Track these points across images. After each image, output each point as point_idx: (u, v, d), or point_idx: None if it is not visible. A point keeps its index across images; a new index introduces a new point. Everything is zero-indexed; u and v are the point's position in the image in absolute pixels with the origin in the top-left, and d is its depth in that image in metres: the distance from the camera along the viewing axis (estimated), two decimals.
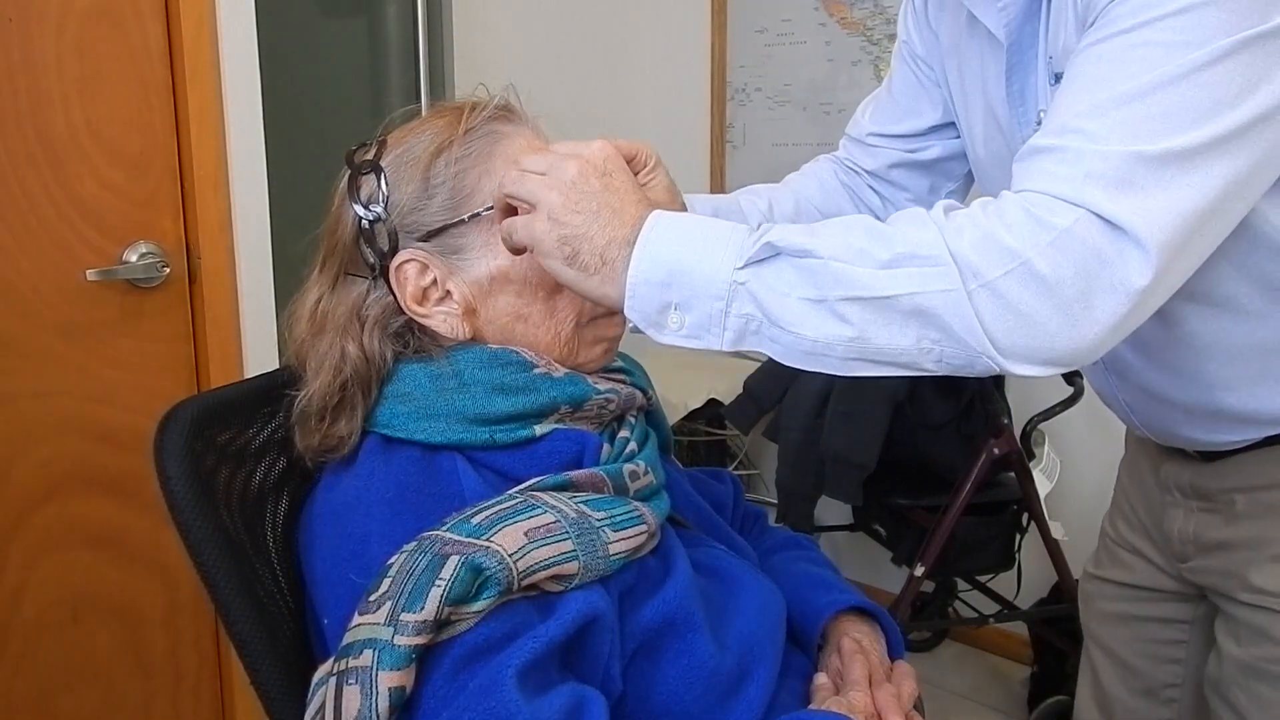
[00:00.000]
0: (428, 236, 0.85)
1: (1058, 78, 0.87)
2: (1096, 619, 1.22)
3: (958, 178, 1.17)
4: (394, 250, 0.85)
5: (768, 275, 0.72)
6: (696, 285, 0.73)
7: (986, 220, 0.70)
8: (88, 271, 1.65)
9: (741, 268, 0.72)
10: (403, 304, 0.85)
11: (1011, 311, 0.68)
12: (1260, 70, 0.70)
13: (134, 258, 1.69)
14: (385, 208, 0.85)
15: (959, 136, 1.12)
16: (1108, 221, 0.67)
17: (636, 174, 0.94)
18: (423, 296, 0.86)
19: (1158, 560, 1.14)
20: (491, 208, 0.85)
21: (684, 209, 0.94)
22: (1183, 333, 0.93)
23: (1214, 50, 0.69)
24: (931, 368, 0.72)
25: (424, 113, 0.92)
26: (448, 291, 0.86)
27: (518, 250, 0.82)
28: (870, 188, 1.18)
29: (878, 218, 1.18)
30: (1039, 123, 0.90)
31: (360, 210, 0.85)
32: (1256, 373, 0.92)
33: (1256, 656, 0.98)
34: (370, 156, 0.87)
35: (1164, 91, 0.69)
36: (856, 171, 1.20)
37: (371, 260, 0.85)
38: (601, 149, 0.79)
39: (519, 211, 0.80)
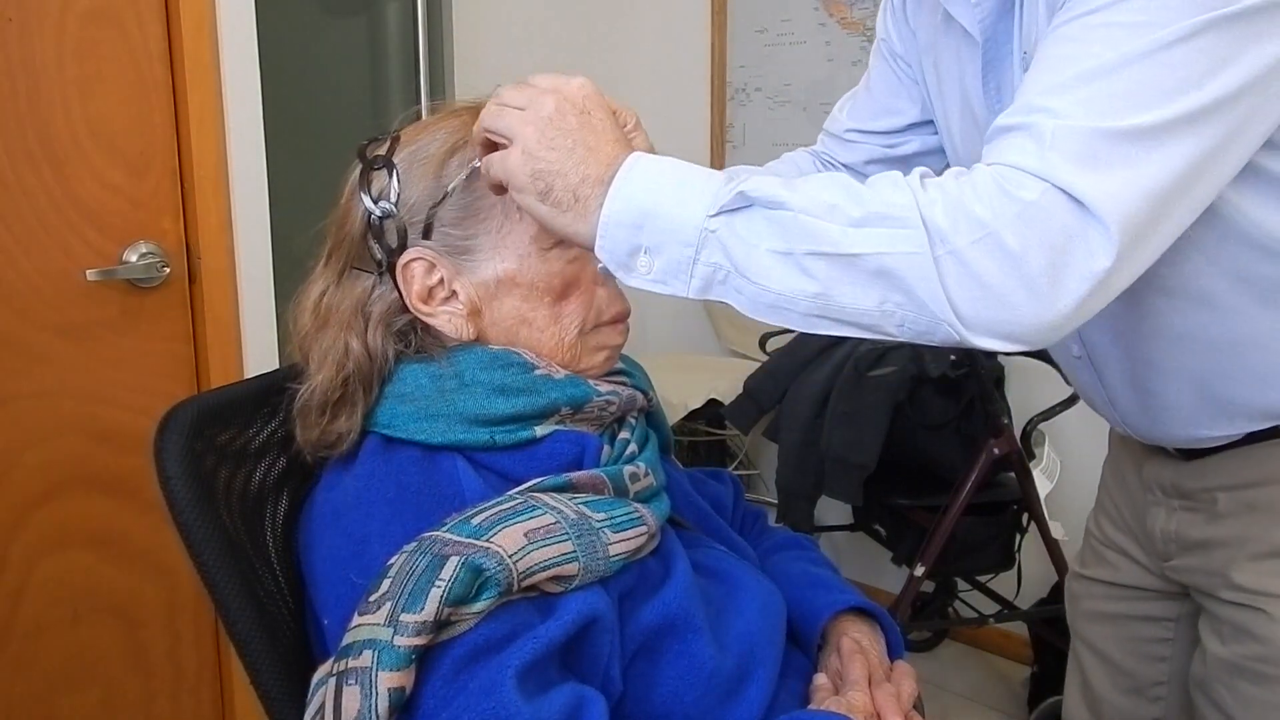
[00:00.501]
0: (437, 236, 0.85)
1: None
2: (1083, 618, 1.22)
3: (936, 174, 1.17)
4: (402, 247, 0.85)
5: (739, 225, 0.72)
6: (668, 230, 0.72)
7: (958, 189, 0.70)
8: (88, 271, 1.65)
9: (714, 215, 0.72)
10: (408, 302, 0.85)
11: (976, 281, 0.68)
12: (1227, 51, 0.70)
13: (134, 258, 1.69)
14: (396, 204, 0.85)
15: (937, 133, 1.13)
16: (1072, 197, 0.67)
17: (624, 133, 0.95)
18: (428, 295, 0.86)
19: (1142, 559, 1.14)
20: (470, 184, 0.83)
21: None
22: (1161, 327, 0.93)
23: (1180, 30, 0.69)
24: (893, 332, 0.72)
25: (425, 113, 0.92)
26: (454, 291, 0.86)
27: (496, 187, 0.81)
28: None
29: None
30: None
31: (370, 205, 0.85)
32: (1234, 367, 0.93)
33: (1240, 654, 0.99)
34: (383, 152, 0.87)
35: (1129, 69, 0.69)
36: (834, 165, 1.20)
37: (379, 256, 0.85)
38: (581, 86, 0.78)
39: (498, 148, 0.79)
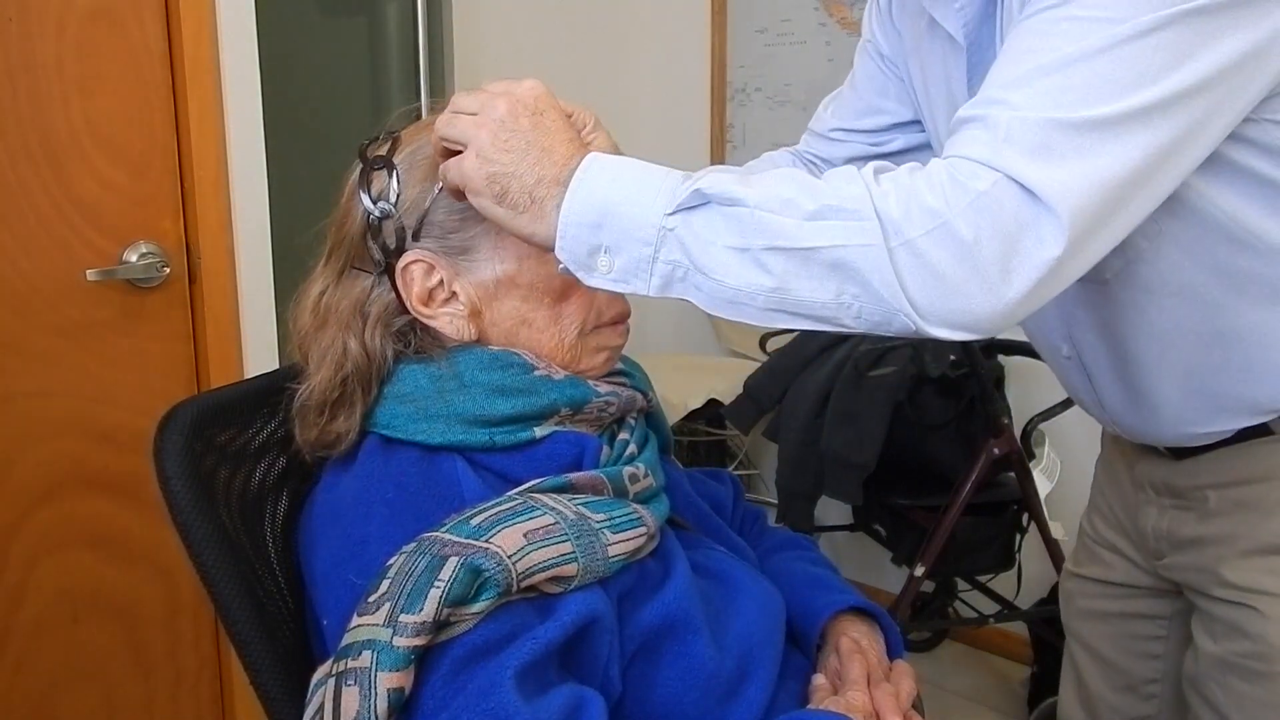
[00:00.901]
0: (436, 237, 0.85)
1: None
2: (1077, 617, 1.23)
3: None
4: (400, 249, 0.85)
5: (696, 222, 0.72)
6: (626, 229, 0.73)
7: (911, 181, 0.70)
8: (88, 271, 1.65)
9: (671, 213, 0.72)
10: (408, 304, 0.85)
11: (930, 272, 0.68)
12: (1186, 47, 0.71)
13: (134, 258, 1.69)
14: (395, 205, 0.84)
15: (923, 131, 1.13)
16: (1024, 187, 0.68)
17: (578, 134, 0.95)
18: (428, 297, 0.86)
19: (1135, 557, 1.15)
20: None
21: None
22: (1144, 323, 0.94)
23: (1140, 24, 0.69)
24: (850, 324, 0.72)
25: (425, 112, 0.92)
26: (454, 293, 0.86)
27: (455, 194, 0.81)
28: None
29: None
30: None
31: (370, 205, 0.85)
32: (1218, 360, 0.93)
33: (1232, 652, 0.99)
34: (383, 152, 0.86)
35: (1087, 62, 0.70)
36: (815, 164, 1.20)
37: (378, 257, 0.85)
38: (532, 88, 0.79)
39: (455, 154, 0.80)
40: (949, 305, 0.69)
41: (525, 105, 0.77)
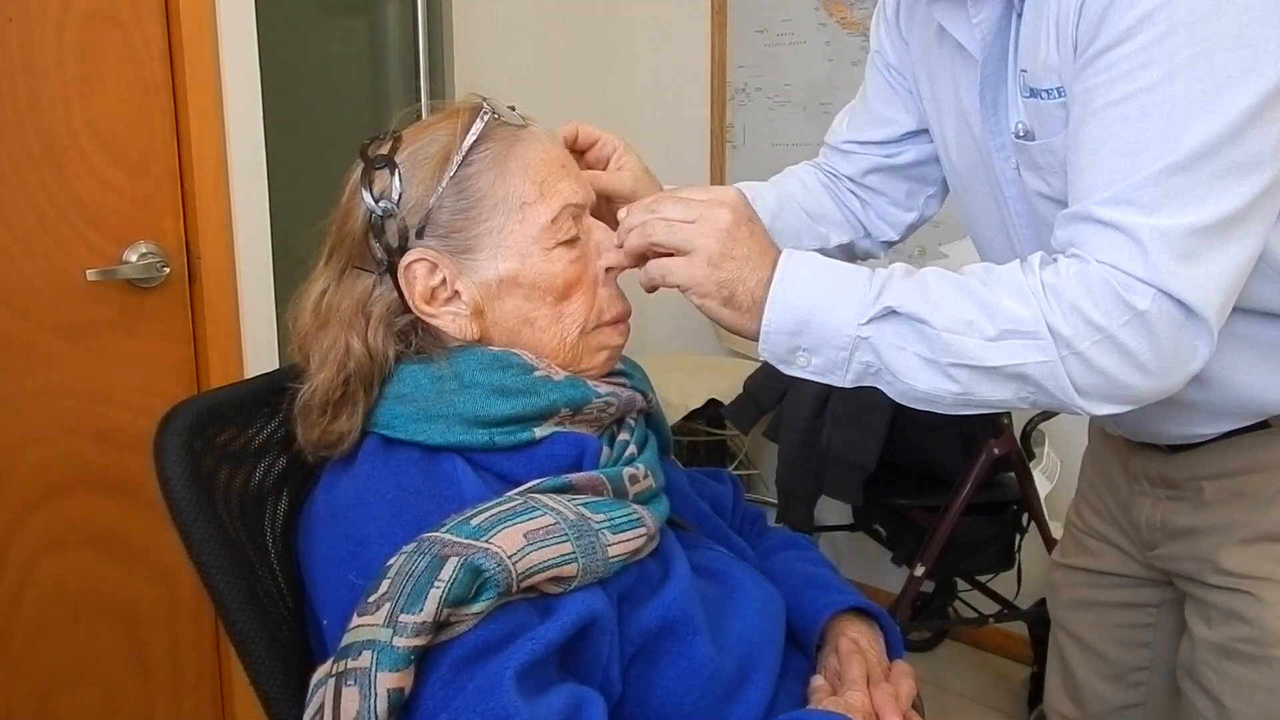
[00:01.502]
0: (438, 236, 0.85)
1: (1033, 91, 0.90)
2: (1065, 607, 1.25)
3: (934, 182, 1.20)
4: (403, 248, 0.85)
5: (887, 331, 0.81)
6: (823, 336, 0.82)
7: (1074, 295, 0.78)
8: (88, 271, 1.65)
9: (864, 323, 0.81)
10: (411, 303, 0.85)
11: (1097, 373, 0.78)
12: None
13: (134, 258, 1.69)
14: (397, 204, 0.84)
15: (933, 141, 1.14)
16: (1179, 302, 0.76)
17: (607, 162, 1.00)
18: (431, 296, 0.86)
19: (1126, 547, 1.17)
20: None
21: (660, 188, 1.00)
22: None
23: (1248, 104, 0.74)
24: (1023, 407, 0.84)
25: (425, 113, 0.92)
26: (456, 292, 0.86)
27: (652, 289, 0.88)
28: (850, 191, 1.22)
29: (858, 219, 1.21)
30: (1018, 135, 0.93)
31: (372, 204, 0.85)
32: (1230, 365, 0.95)
33: (1228, 637, 1.01)
34: (385, 151, 0.86)
35: (1208, 159, 0.75)
36: (836, 176, 1.22)
37: (380, 256, 0.85)
38: (739, 196, 0.86)
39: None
40: (1112, 394, 0.80)
41: (744, 215, 0.85)
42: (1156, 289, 0.76)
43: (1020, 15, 0.90)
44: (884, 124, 1.17)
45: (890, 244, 1.24)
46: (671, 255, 0.85)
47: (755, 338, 0.84)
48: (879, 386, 0.84)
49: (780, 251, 0.84)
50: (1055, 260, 0.81)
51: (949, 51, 1.01)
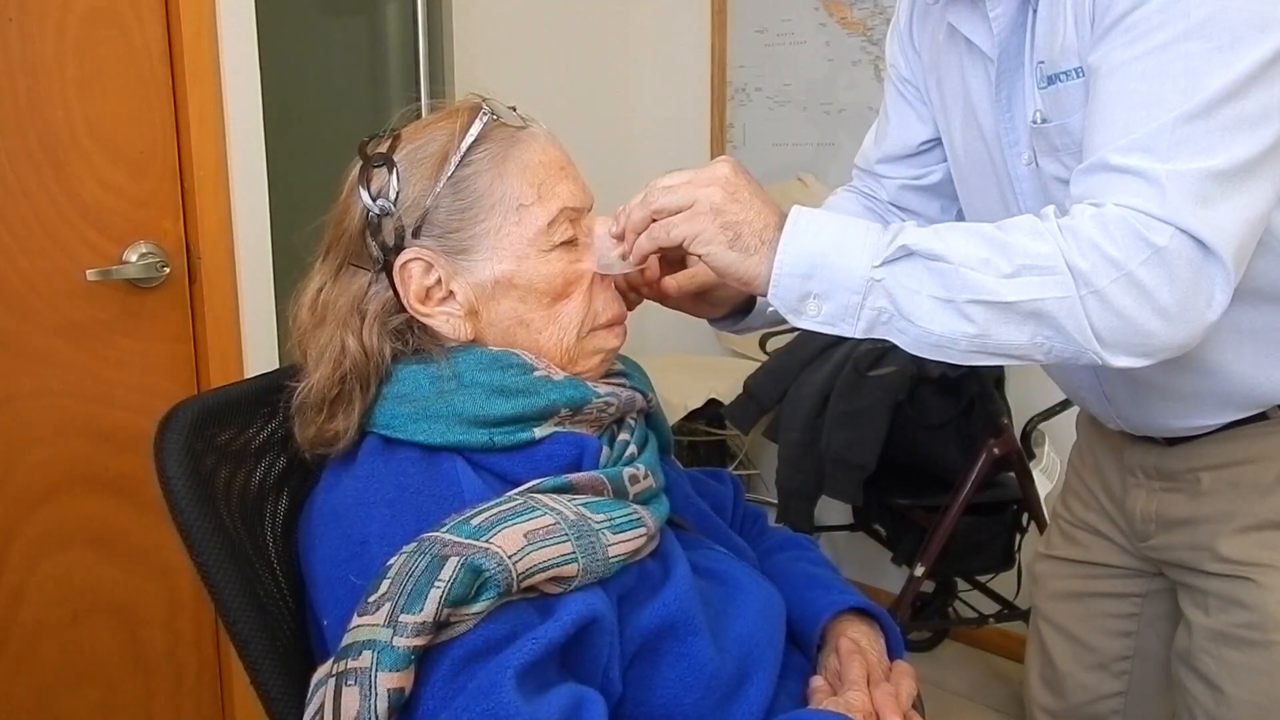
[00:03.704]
0: (435, 236, 0.85)
1: (1050, 79, 0.91)
2: (1050, 598, 1.26)
3: None
4: (399, 247, 0.85)
5: (901, 273, 0.80)
6: (836, 279, 0.81)
7: (1092, 233, 0.78)
8: (88, 271, 1.65)
9: (878, 265, 0.80)
10: (405, 302, 0.85)
11: (1116, 314, 0.77)
12: None
13: (134, 258, 1.69)
14: (394, 202, 0.84)
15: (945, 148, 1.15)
16: (1196, 240, 0.76)
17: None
18: (426, 296, 0.86)
19: (1115, 538, 1.18)
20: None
21: None
22: None
23: (1258, 57, 0.77)
24: (1040, 358, 0.81)
25: (424, 112, 0.92)
26: (451, 292, 0.86)
27: (655, 252, 0.86)
28: (889, 210, 1.23)
29: None
30: (1036, 121, 0.94)
31: (369, 202, 0.85)
32: (1233, 356, 0.97)
33: (1228, 623, 1.03)
34: (384, 149, 0.86)
35: (1221, 108, 0.77)
36: (872, 198, 1.24)
37: (376, 254, 0.85)
38: (732, 160, 0.86)
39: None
40: (1132, 340, 0.78)
41: (741, 170, 0.85)
42: (1175, 227, 0.76)
43: (1036, 10, 0.92)
44: (902, 135, 1.18)
45: None
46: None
47: (763, 287, 0.83)
48: (889, 337, 0.82)
49: (778, 209, 0.84)
50: (1069, 211, 0.81)
51: (958, 53, 1.03)
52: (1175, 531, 1.09)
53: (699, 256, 0.84)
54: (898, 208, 1.21)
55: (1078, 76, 0.89)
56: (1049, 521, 1.31)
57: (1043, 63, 0.92)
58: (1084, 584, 1.22)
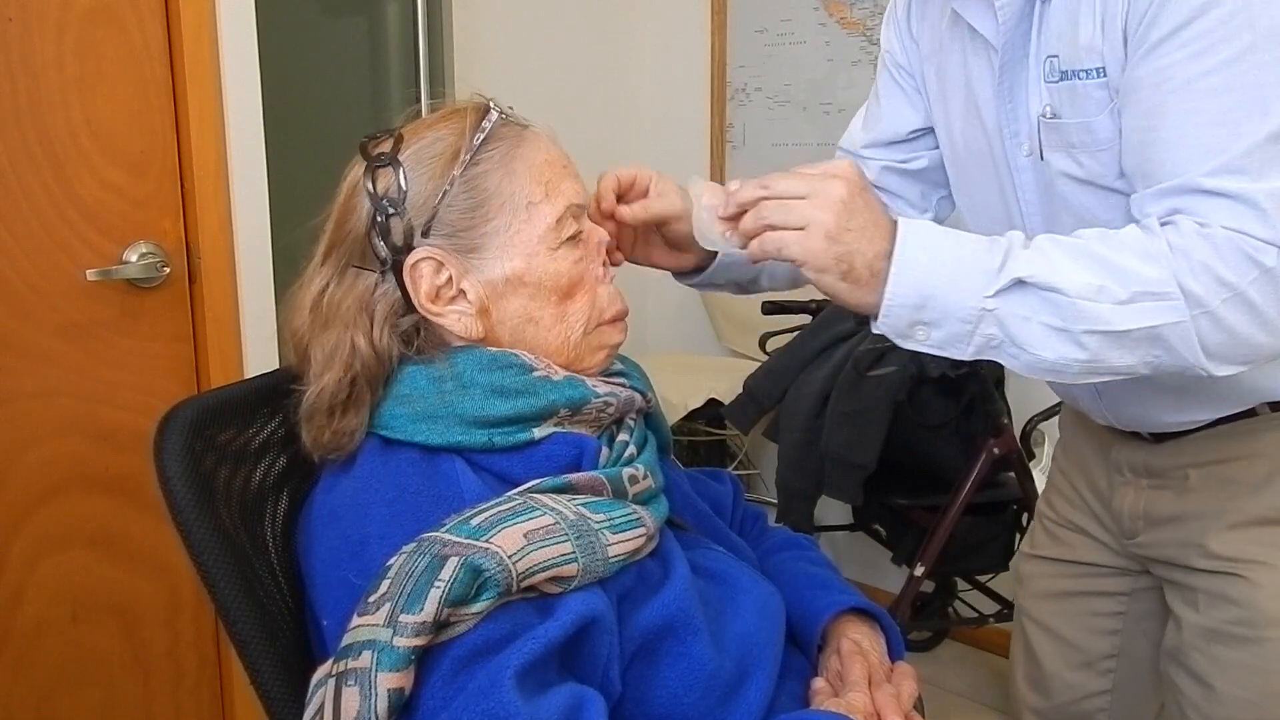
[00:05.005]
0: (444, 235, 0.85)
1: (1064, 74, 0.91)
2: (1035, 598, 1.27)
3: (945, 185, 1.21)
4: (409, 246, 0.84)
5: (1013, 303, 0.81)
6: (947, 309, 0.81)
7: (1206, 256, 0.79)
8: (88, 271, 1.65)
9: (990, 295, 0.80)
10: (416, 302, 0.85)
11: (1224, 331, 0.80)
12: None
13: (134, 258, 1.69)
14: (403, 202, 0.84)
15: (937, 138, 1.15)
16: None
17: (646, 192, 1.01)
18: (436, 295, 0.85)
19: (1100, 536, 1.19)
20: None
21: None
22: None
23: None
24: (1145, 372, 0.83)
25: (425, 112, 0.92)
26: (461, 291, 0.86)
27: (758, 260, 0.87)
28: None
29: None
30: (1045, 115, 0.94)
31: (377, 203, 0.84)
32: None
33: (1219, 620, 1.03)
34: (387, 149, 0.86)
35: None
36: None
37: (384, 254, 0.85)
38: (851, 165, 0.85)
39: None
40: (1238, 353, 0.81)
41: (858, 185, 0.83)
42: (1277, 248, 0.78)
43: (1047, 1, 0.91)
44: (893, 121, 1.18)
45: None
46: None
47: (872, 312, 0.83)
48: (998, 359, 0.84)
49: (894, 221, 0.83)
50: (1174, 222, 0.82)
51: (960, 43, 1.03)
52: (1163, 528, 1.09)
53: (810, 280, 0.84)
54: (878, 188, 1.20)
55: (1099, 76, 0.89)
56: (1034, 521, 1.32)
57: (1055, 57, 0.92)
58: (1069, 583, 1.22)
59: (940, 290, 0.81)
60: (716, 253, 1.05)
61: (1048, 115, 0.94)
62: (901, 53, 1.16)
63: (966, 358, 0.83)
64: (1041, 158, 0.97)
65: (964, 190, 1.12)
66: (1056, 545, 1.24)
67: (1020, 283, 0.80)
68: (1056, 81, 0.92)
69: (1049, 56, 0.92)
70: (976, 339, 0.82)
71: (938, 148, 1.16)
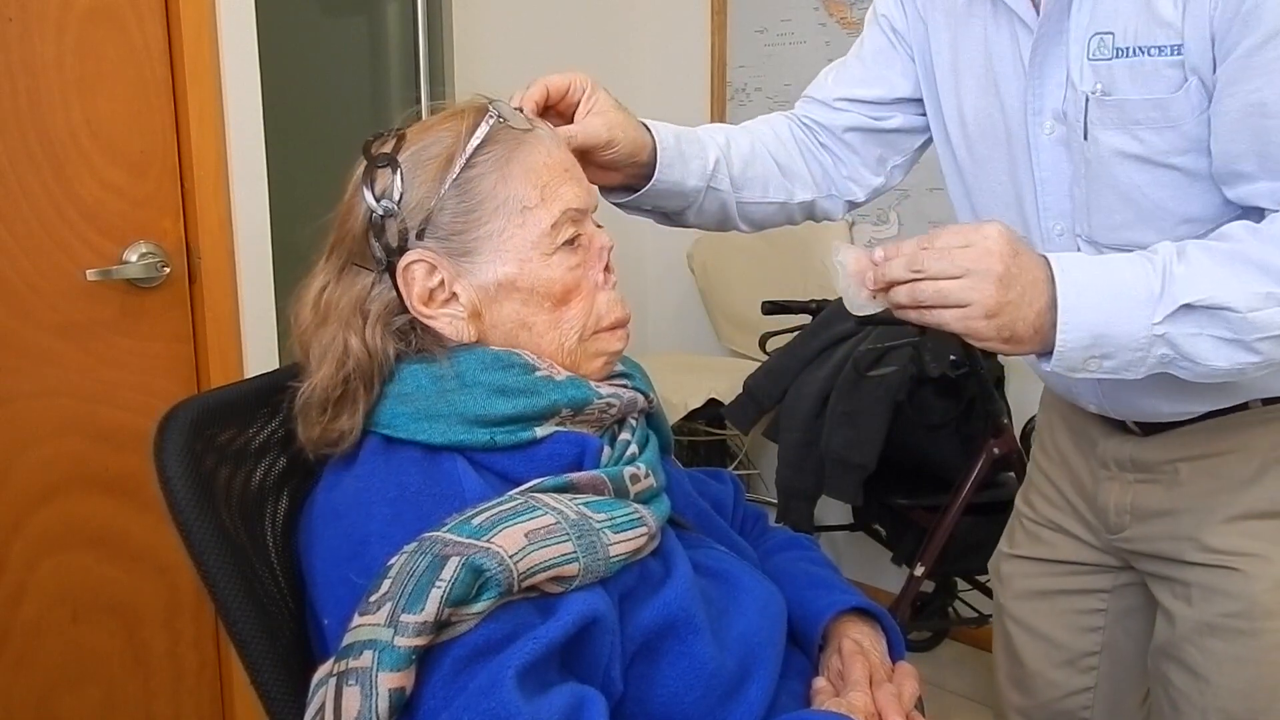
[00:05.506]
0: (438, 238, 0.85)
1: (1121, 51, 0.91)
2: (1016, 597, 1.27)
3: (905, 152, 1.21)
4: (403, 248, 0.84)
5: (1182, 324, 0.83)
6: (1118, 343, 0.83)
7: None
8: (88, 271, 1.65)
9: (1158, 323, 0.82)
10: (409, 304, 0.85)
11: None
12: None
13: (134, 258, 1.69)
14: (398, 204, 0.84)
15: (922, 113, 1.15)
16: None
17: (578, 103, 0.97)
18: (429, 297, 0.85)
19: (1081, 534, 1.19)
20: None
21: (635, 126, 1.01)
22: None
23: None
24: None
25: (425, 113, 0.92)
26: (454, 294, 0.86)
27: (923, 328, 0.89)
28: (823, 146, 1.21)
29: (827, 176, 1.20)
30: (1097, 93, 0.93)
31: (372, 203, 0.84)
32: None
33: (1214, 613, 1.04)
34: (388, 150, 0.86)
35: None
36: (812, 129, 1.21)
37: (379, 255, 0.85)
38: (1001, 231, 0.83)
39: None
40: None
41: (1010, 251, 0.83)
42: None
43: None
44: (878, 84, 1.17)
45: (854, 205, 1.23)
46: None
47: (1037, 355, 0.86)
48: (1172, 373, 0.86)
49: (1047, 266, 0.84)
50: None
51: (982, 18, 1.02)
52: (1152, 523, 1.09)
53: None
54: (839, 142, 1.19)
55: (1173, 54, 0.88)
56: (1012, 520, 1.32)
57: (1109, 34, 0.91)
58: (1051, 581, 1.23)
59: (1109, 328, 0.83)
60: (647, 175, 1.03)
61: (1097, 93, 0.92)
62: (902, 19, 1.14)
63: (1139, 377, 0.86)
64: (1085, 137, 0.95)
65: (967, 169, 1.10)
66: (1036, 544, 1.24)
67: (1187, 307, 0.82)
68: (1109, 59, 0.91)
69: (1099, 34, 0.91)
70: (1150, 361, 0.84)
71: (918, 114, 1.15)
